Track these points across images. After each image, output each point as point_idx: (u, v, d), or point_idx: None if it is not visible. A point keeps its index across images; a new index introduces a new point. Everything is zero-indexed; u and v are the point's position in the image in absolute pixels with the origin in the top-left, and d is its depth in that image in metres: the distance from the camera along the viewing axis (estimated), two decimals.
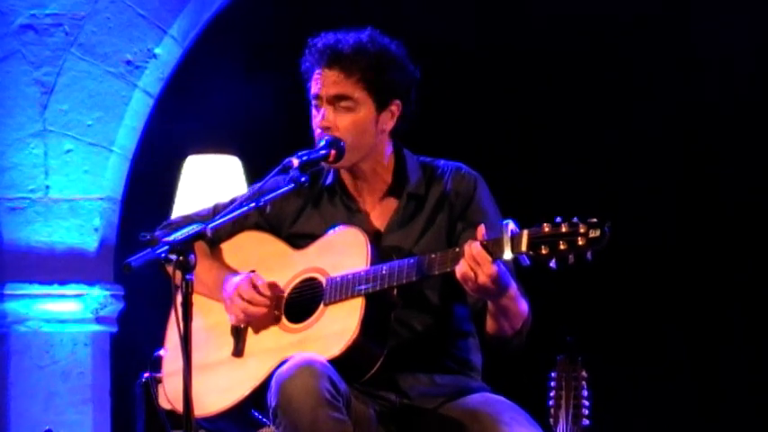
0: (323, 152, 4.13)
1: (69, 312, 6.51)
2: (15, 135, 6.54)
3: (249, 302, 4.15)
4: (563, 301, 6.58)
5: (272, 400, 3.95)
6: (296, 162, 4.10)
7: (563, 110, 7.21)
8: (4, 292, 6.50)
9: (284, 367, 3.97)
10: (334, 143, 4.14)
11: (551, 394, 4.95)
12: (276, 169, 4.14)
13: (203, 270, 4.21)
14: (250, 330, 4.21)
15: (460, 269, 3.91)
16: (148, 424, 5.46)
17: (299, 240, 4.25)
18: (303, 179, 4.10)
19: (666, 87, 7.22)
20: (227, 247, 4.33)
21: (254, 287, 4.16)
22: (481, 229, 3.94)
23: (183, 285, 3.84)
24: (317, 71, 4.18)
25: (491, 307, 4.04)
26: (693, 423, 7.08)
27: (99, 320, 6.55)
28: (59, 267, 6.50)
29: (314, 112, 4.19)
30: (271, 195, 4.15)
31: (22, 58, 6.54)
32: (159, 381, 5.41)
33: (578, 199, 6.89)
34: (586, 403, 4.92)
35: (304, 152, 4.13)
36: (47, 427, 5.43)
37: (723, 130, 7.20)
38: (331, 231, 4.20)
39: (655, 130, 7.23)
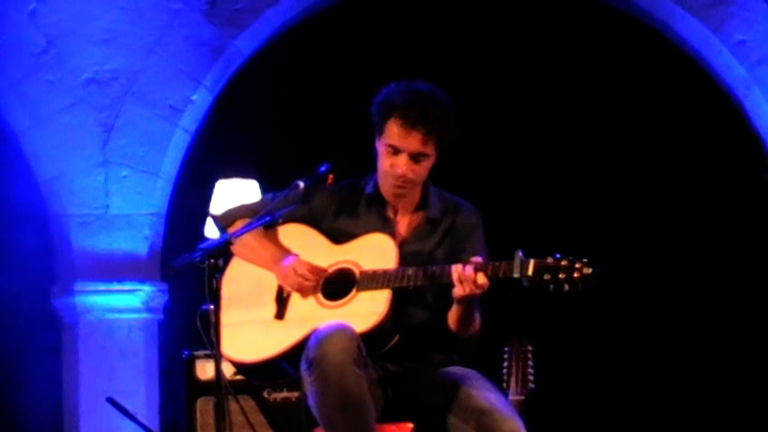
0: (321, 175, 4.20)
1: (126, 304, 6.53)
2: (83, 165, 6.55)
3: (302, 277, 4.16)
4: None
5: (310, 352, 3.97)
6: (301, 185, 4.18)
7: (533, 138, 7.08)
8: (74, 288, 6.50)
9: (323, 328, 4.00)
10: (331, 169, 4.21)
11: (504, 364, 4.97)
12: (287, 190, 4.20)
13: (260, 246, 4.23)
14: (293, 300, 4.20)
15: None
16: (188, 391, 5.50)
17: (337, 236, 4.24)
18: (305, 198, 4.17)
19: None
20: (281, 231, 4.28)
21: (306, 266, 4.18)
22: (476, 258, 4.02)
23: (214, 282, 3.89)
24: (402, 127, 4.10)
25: (458, 310, 4.10)
26: (619, 386, 7.10)
27: (149, 310, 6.55)
28: (118, 269, 6.50)
29: (385, 153, 4.14)
30: (283, 210, 4.20)
31: (87, 105, 6.58)
32: (197, 357, 5.48)
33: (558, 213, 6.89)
34: (532, 371, 4.95)
35: (305, 176, 4.19)
36: (109, 396, 5.44)
37: (712, 137, 7.00)
38: (368, 234, 4.20)
39: (635, 142, 7.08)
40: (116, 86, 6.57)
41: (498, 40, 7.01)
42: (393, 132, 4.12)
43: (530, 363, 4.92)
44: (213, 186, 6.33)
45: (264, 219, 4.14)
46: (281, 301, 4.22)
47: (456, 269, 4.01)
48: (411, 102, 4.11)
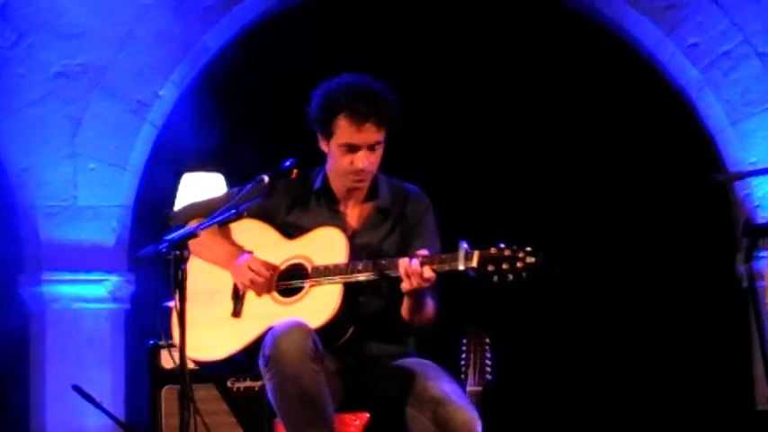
0: (285, 170, 4.18)
1: (92, 294, 6.51)
2: (51, 157, 6.53)
3: (256, 273, 4.15)
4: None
5: (266, 350, 3.96)
6: (266, 179, 4.15)
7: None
8: (42, 278, 6.48)
9: (279, 325, 3.98)
10: (296, 164, 4.19)
11: (463, 356, 4.97)
12: (251, 183, 4.17)
13: (215, 243, 4.22)
14: (248, 298, 4.17)
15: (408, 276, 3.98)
16: (153, 380, 5.48)
17: (290, 230, 4.21)
18: (269, 191, 4.14)
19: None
20: (234, 228, 4.25)
21: (260, 263, 4.16)
22: (422, 251, 3.99)
23: (180, 273, 3.86)
24: (354, 123, 4.05)
25: (408, 302, 4.10)
26: (575, 378, 7.11)
27: (115, 300, 6.55)
28: (85, 259, 6.49)
29: (340, 153, 4.10)
30: (248, 204, 4.18)
31: (56, 98, 6.54)
32: (162, 347, 5.45)
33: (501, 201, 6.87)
34: (489, 362, 4.96)
35: (270, 171, 4.17)
36: (74, 384, 5.41)
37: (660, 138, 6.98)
38: (319, 228, 4.17)
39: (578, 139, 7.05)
40: (85, 80, 6.54)
41: (455, 40, 7.02)
42: (345, 131, 4.08)
43: (487, 354, 4.91)
44: (179, 180, 6.30)
45: (230, 212, 4.11)
46: (238, 298, 4.20)
47: (402, 263, 3.98)
48: (355, 96, 4.07)
